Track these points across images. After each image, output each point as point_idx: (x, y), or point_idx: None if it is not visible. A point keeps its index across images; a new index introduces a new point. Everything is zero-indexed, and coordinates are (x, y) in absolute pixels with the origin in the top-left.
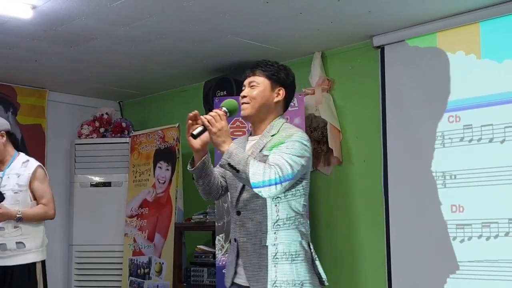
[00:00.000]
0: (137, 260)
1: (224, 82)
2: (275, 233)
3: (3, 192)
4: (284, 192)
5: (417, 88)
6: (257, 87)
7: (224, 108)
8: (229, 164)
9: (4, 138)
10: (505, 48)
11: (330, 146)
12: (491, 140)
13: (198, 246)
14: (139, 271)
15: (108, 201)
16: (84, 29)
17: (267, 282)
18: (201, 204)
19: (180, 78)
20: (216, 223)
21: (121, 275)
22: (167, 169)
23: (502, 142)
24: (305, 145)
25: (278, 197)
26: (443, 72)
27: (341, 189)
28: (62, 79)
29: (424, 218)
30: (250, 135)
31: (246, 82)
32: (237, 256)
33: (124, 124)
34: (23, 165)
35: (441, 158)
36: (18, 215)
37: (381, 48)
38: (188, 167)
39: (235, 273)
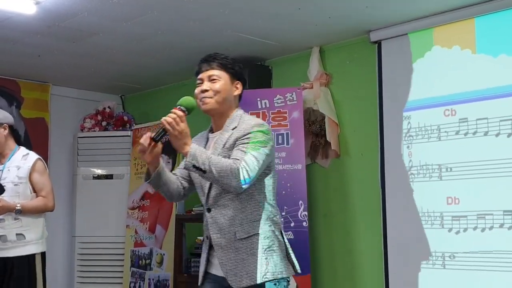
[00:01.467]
0: (138, 251)
1: None
2: (249, 224)
3: (3, 185)
4: (254, 184)
5: (414, 82)
6: (218, 80)
7: (182, 107)
8: (194, 166)
9: (6, 131)
10: (500, 43)
11: (328, 139)
12: (486, 133)
13: (198, 238)
14: (140, 262)
15: (110, 193)
16: (87, 25)
17: (245, 274)
18: None
19: (180, 72)
20: None
21: (123, 266)
22: (168, 162)
23: (497, 135)
24: (266, 134)
25: (248, 190)
26: (439, 66)
27: (339, 181)
28: (65, 74)
29: (420, 210)
30: (210, 131)
31: (203, 76)
32: (210, 250)
33: (126, 118)
34: (23, 158)
35: (437, 151)
36: (18, 208)
37: (378, 43)
38: (144, 178)
39: (209, 263)
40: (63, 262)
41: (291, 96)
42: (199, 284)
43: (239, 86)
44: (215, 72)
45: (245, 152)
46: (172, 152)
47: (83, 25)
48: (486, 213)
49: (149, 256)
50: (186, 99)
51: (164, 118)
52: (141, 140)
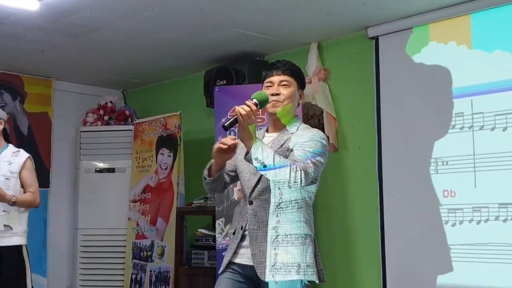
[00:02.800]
0: (140, 243)
1: (224, 72)
2: (277, 216)
3: None
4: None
5: (410, 77)
6: (289, 87)
7: (255, 101)
8: (256, 159)
9: (2, 126)
10: (495, 39)
11: (326, 133)
12: (481, 128)
13: (199, 230)
14: (142, 254)
15: (112, 186)
16: (89, 21)
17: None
18: (202, 189)
19: (181, 68)
20: (216, 208)
21: (124, 257)
22: (169, 156)
23: (492, 129)
24: (325, 145)
25: (294, 191)
26: (435, 62)
27: (337, 174)
28: (68, 69)
29: (417, 203)
30: (267, 131)
31: (275, 80)
32: (240, 241)
33: (127, 112)
34: (13, 154)
35: (434, 144)
36: (13, 200)
37: (376, 39)
38: (205, 173)
39: (235, 253)
40: (66, 254)
41: None
42: (220, 272)
43: (303, 95)
44: (287, 78)
45: (306, 156)
46: (173, 146)
47: (86, 21)
48: (482, 206)
49: (151, 248)
50: (261, 94)
51: (238, 109)
52: (224, 140)
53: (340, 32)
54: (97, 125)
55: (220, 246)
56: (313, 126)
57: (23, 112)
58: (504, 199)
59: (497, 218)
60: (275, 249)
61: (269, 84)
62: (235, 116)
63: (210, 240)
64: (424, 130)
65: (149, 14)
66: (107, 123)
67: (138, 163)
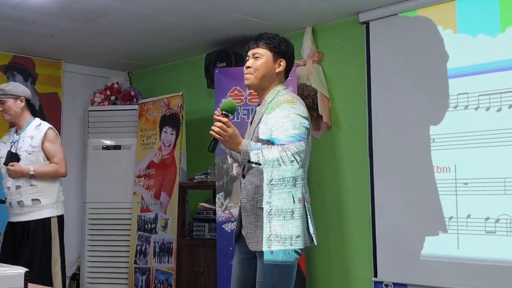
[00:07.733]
0: (144, 216)
1: (223, 55)
2: (269, 191)
3: (19, 154)
4: None
5: (399, 60)
6: (260, 58)
7: (224, 112)
8: (248, 161)
9: (23, 103)
10: (479, 23)
11: (320, 112)
12: (466, 107)
13: (200, 204)
14: (146, 226)
15: (118, 162)
16: (97, 6)
17: (261, 239)
18: (203, 165)
19: (183, 51)
20: (216, 183)
21: (130, 230)
22: (172, 134)
23: (476, 109)
24: (299, 109)
25: None
26: (422, 45)
27: (330, 151)
28: (77, 52)
29: (406, 178)
30: (258, 105)
31: (250, 53)
32: (240, 213)
33: (133, 93)
34: (36, 128)
35: (421, 123)
36: (31, 173)
37: (367, 24)
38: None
39: (241, 225)
40: (75, 226)
41: None
42: (234, 242)
43: (283, 63)
44: (259, 51)
45: (287, 133)
46: (175, 125)
47: (93, 7)
48: (469, 181)
49: (154, 220)
50: (228, 103)
51: (211, 130)
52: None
53: (333, 17)
54: (104, 105)
55: (220, 219)
56: (307, 106)
57: (35, 92)
58: (489, 174)
59: (488, 192)
60: (269, 222)
61: (247, 58)
62: (213, 138)
63: (211, 213)
64: (412, 110)
65: (152, 0)
66: (114, 103)
67: (143, 140)
